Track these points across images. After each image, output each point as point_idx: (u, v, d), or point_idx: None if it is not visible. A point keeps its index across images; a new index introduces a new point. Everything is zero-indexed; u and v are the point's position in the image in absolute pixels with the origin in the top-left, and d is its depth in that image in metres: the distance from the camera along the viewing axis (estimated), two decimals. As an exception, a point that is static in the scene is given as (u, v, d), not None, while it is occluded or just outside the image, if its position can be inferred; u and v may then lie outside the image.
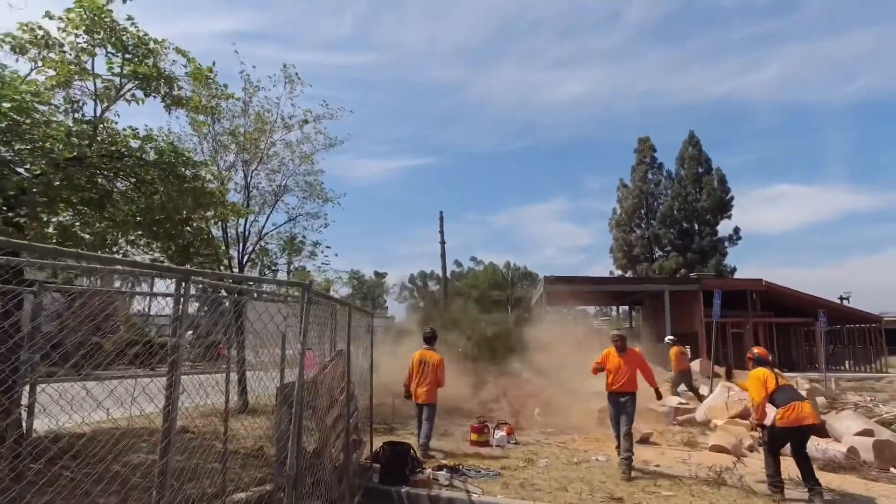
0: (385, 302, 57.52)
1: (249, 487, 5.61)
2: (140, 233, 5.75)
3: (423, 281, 63.44)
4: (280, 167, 12.14)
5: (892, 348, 25.00)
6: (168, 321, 2.86)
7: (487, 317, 15.10)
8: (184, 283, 3.06)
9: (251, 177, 11.59)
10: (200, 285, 4.62)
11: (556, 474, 6.35)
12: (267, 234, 12.36)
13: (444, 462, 6.42)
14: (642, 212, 42.77)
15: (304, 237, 13.05)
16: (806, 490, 5.57)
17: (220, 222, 10.37)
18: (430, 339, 8.16)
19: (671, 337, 14.84)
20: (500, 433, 8.46)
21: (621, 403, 6.77)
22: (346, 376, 5.22)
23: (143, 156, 5.77)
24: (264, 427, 7.64)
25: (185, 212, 5.94)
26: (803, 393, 10.00)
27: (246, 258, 11.73)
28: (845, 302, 29.43)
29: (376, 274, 57.72)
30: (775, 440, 5.81)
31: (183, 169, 5.86)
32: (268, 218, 12.04)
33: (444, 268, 29.95)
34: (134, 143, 6.03)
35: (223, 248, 11.26)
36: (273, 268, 14.74)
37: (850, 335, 24.82)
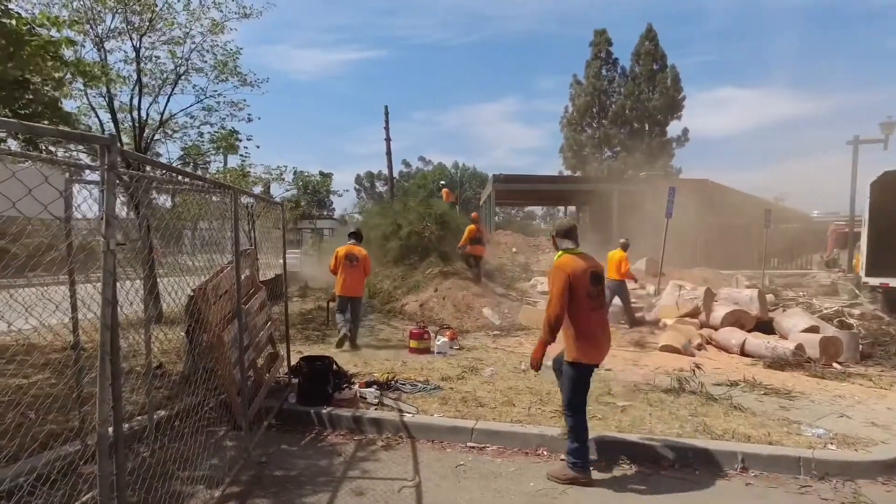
0: (332, 203, 54.81)
1: (142, 413, 4.63)
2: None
3: (371, 181, 60.99)
4: (185, 38, 9.94)
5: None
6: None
7: (431, 210, 13.97)
8: None
9: (140, 45, 9.40)
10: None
11: (501, 385, 5.70)
12: (172, 117, 10.41)
13: (375, 377, 5.61)
14: (594, 110, 41.49)
15: (234, 131, 11.14)
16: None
17: (91, 95, 8.42)
18: (356, 236, 8.36)
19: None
20: (443, 339, 7.75)
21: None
22: (237, 281, 4.10)
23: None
24: (175, 340, 6.58)
25: (9, 66, 4.27)
26: (750, 291, 9.83)
27: (146, 146, 9.89)
28: (781, 202, 30.60)
29: (322, 174, 54.37)
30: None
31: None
32: (169, 98, 10.01)
33: (389, 165, 28.19)
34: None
35: (111, 128, 9.35)
36: (204, 166, 12.88)
37: (784, 234, 25.99)
